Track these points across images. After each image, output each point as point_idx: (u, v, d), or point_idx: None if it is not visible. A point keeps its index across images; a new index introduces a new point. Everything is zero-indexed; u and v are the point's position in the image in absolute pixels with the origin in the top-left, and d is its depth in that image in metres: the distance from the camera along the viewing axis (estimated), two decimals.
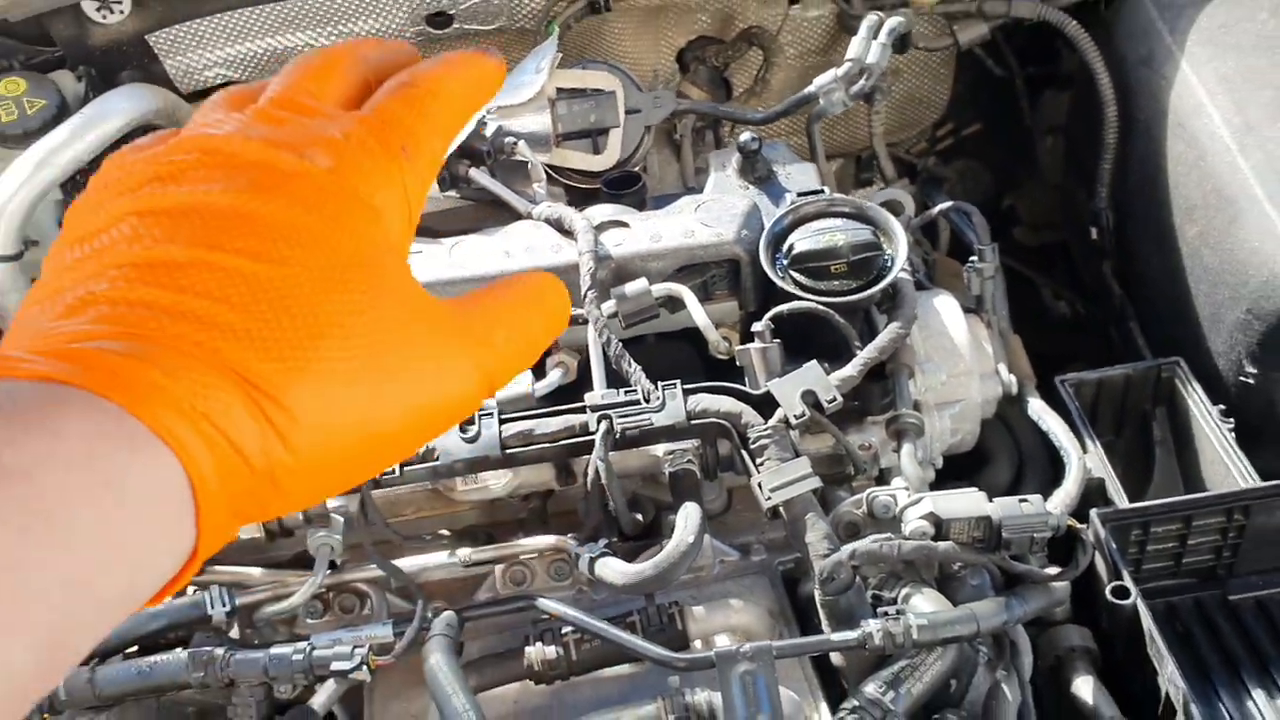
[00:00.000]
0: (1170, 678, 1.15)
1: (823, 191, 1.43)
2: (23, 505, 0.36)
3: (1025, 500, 1.15)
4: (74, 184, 1.72)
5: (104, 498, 0.37)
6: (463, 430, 1.23)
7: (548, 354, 1.40)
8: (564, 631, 1.19)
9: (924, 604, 1.15)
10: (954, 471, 1.43)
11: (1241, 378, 1.46)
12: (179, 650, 1.18)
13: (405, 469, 1.22)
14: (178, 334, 0.40)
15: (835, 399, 1.21)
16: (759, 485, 1.18)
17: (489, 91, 0.52)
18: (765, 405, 1.24)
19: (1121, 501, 1.34)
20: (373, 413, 0.44)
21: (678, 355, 1.44)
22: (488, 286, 0.51)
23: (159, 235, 0.41)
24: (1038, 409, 1.43)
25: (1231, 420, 1.40)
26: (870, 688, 1.10)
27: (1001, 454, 1.52)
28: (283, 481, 0.41)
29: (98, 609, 0.38)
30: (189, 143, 0.44)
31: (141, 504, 0.38)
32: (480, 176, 1.47)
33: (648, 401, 1.24)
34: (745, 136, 1.47)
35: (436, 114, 0.48)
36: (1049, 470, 1.47)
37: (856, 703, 1.09)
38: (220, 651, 1.17)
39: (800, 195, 1.42)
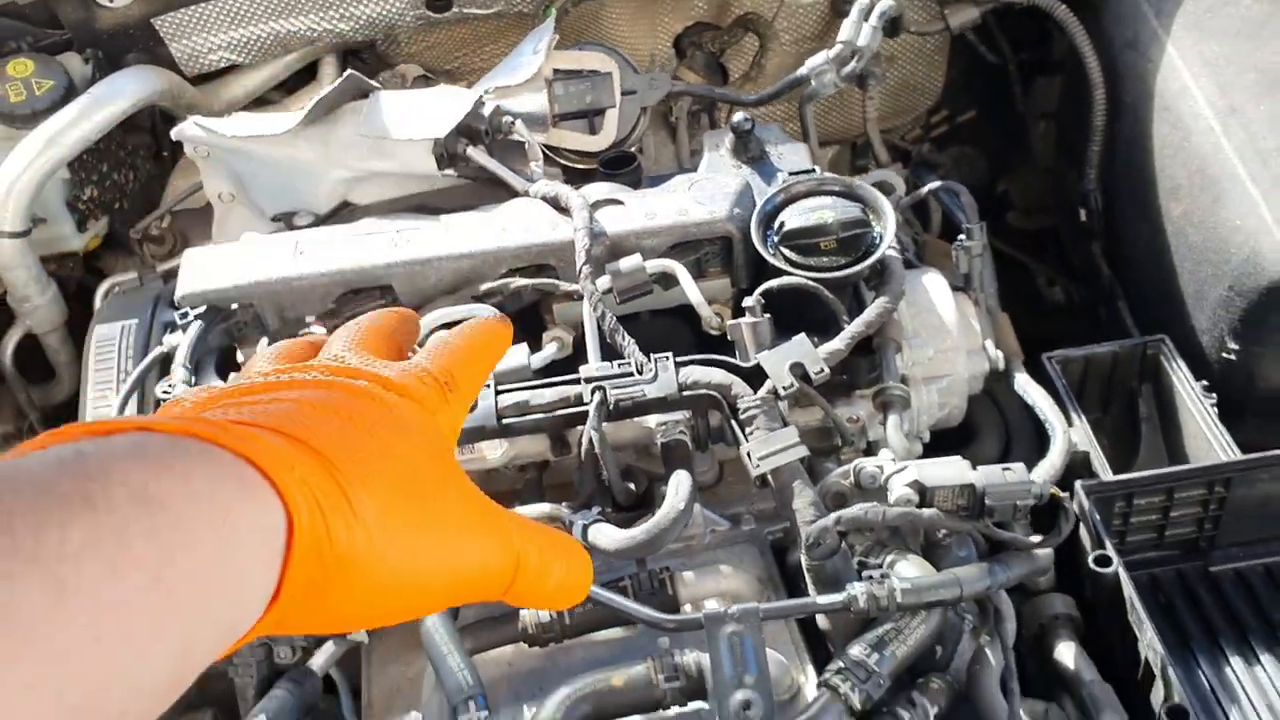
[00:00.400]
0: (1150, 643, 1.18)
1: (814, 171, 1.46)
2: (164, 529, 0.42)
3: (1009, 469, 1.18)
4: (81, 163, 1.76)
5: (223, 528, 0.44)
6: None
7: (544, 329, 1.43)
8: None
9: (909, 570, 1.18)
10: (941, 447, 1.45)
11: (1224, 354, 1.49)
12: None
13: None
14: (292, 433, 0.51)
15: (823, 371, 1.24)
16: (748, 454, 1.21)
17: (502, 344, 0.72)
18: (755, 378, 1.26)
19: (1106, 474, 1.37)
20: (418, 554, 0.54)
21: (670, 331, 1.47)
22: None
23: (290, 406, 0.54)
24: (1023, 382, 1.46)
25: (1214, 396, 1.43)
26: (855, 650, 1.12)
27: (989, 430, 1.55)
28: (346, 569, 0.50)
29: (215, 631, 0.45)
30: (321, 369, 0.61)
31: (253, 536, 0.46)
32: (478, 155, 1.50)
33: (641, 373, 1.27)
34: (739, 117, 1.50)
35: (470, 362, 0.66)
36: (1036, 446, 1.50)
37: (842, 664, 1.12)
38: None
39: (792, 174, 1.45)
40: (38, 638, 0.36)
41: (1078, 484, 1.31)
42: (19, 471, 0.40)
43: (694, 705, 1.16)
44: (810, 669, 1.20)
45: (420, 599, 0.56)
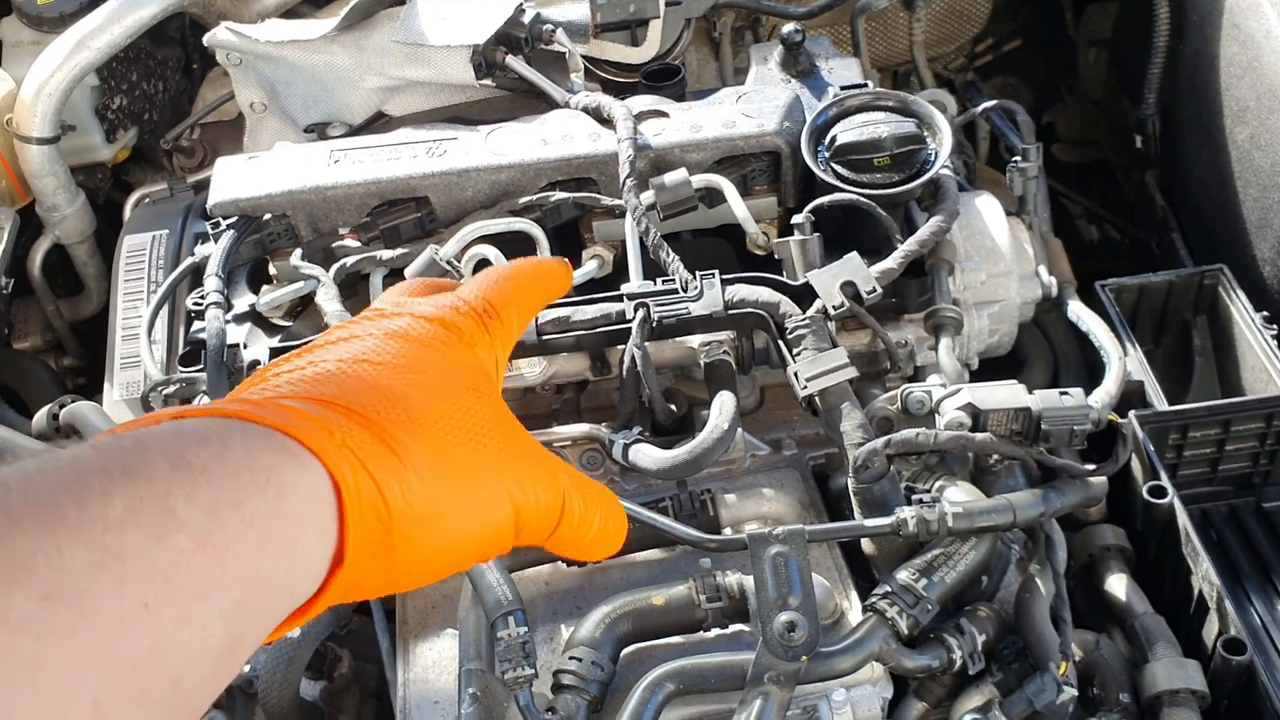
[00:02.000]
0: (1205, 575, 1.15)
1: (866, 85, 1.40)
2: (205, 493, 0.42)
3: (1066, 393, 1.14)
4: (110, 71, 1.72)
5: (267, 491, 0.44)
6: None
7: (583, 246, 1.40)
8: None
9: (958, 495, 1.15)
10: (988, 376, 1.41)
11: None
12: None
13: None
14: (329, 399, 0.52)
15: (875, 290, 1.20)
16: (795, 374, 1.17)
17: (556, 283, 0.73)
18: (803, 298, 1.23)
19: (1160, 404, 1.33)
20: (476, 494, 0.55)
21: (714, 251, 1.43)
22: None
23: (328, 368, 0.56)
24: (1077, 310, 1.41)
25: (1275, 327, 1.38)
26: (903, 574, 1.10)
27: (1037, 360, 1.51)
28: (407, 522, 0.50)
29: (272, 594, 0.45)
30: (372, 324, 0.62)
31: (298, 500, 0.46)
32: (517, 64, 1.45)
33: (685, 291, 1.23)
34: (789, 28, 1.44)
35: (514, 293, 0.67)
36: (1085, 379, 1.46)
37: (889, 588, 1.09)
38: None
39: (844, 89, 1.40)
40: (89, 605, 0.36)
41: (1132, 414, 1.27)
42: (58, 457, 0.40)
43: (735, 627, 1.13)
44: (854, 594, 1.17)
45: (482, 542, 0.56)
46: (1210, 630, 1.15)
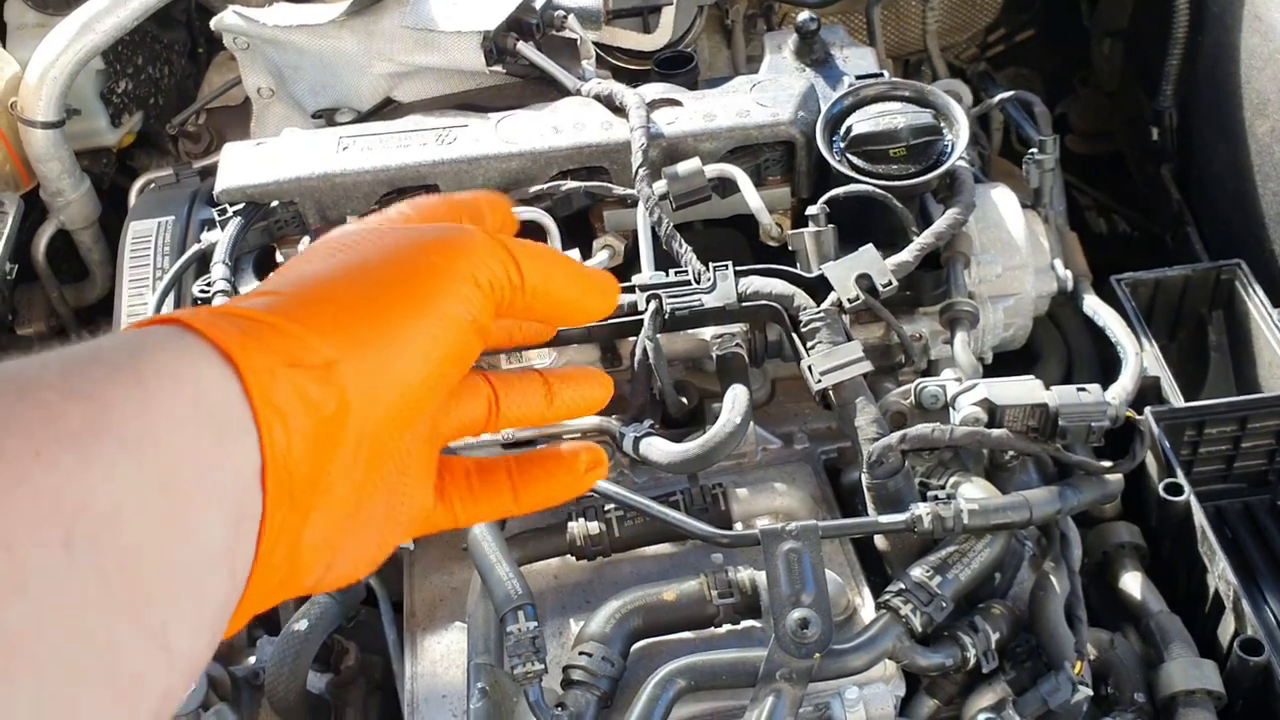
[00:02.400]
0: (1222, 574, 1.14)
1: (882, 75, 1.39)
2: (58, 357, 0.40)
3: (1084, 389, 1.12)
4: (115, 54, 1.70)
5: (124, 349, 0.42)
6: None
7: (594, 236, 1.38)
8: (606, 509, 1.18)
9: (973, 492, 1.14)
10: (1002, 371, 1.40)
11: None
12: None
13: None
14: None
15: (890, 283, 1.18)
16: (809, 368, 1.16)
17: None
18: (817, 290, 1.21)
19: (1177, 400, 1.31)
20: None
21: (727, 242, 1.41)
22: None
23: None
24: (1093, 304, 1.40)
25: None
26: (917, 571, 1.09)
27: (1051, 354, 1.49)
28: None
29: (174, 428, 0.41)
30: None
31: (161, 348, 0.42)
32: (528, 51, 1.43)
33: (698, 282, 1.22)
34: (804, 16, 1.42)
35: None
36: (1099, 373, 1.44)
37: (902, 585, 1.08)
38: None
39: (859, 78, 1.38)
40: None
41: (1148, 410, 1.25)
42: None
43: (747, 623, 1.12)
44: (866, 591, 1.16)
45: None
46: (1226, 629, 1.14)
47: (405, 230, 0.54)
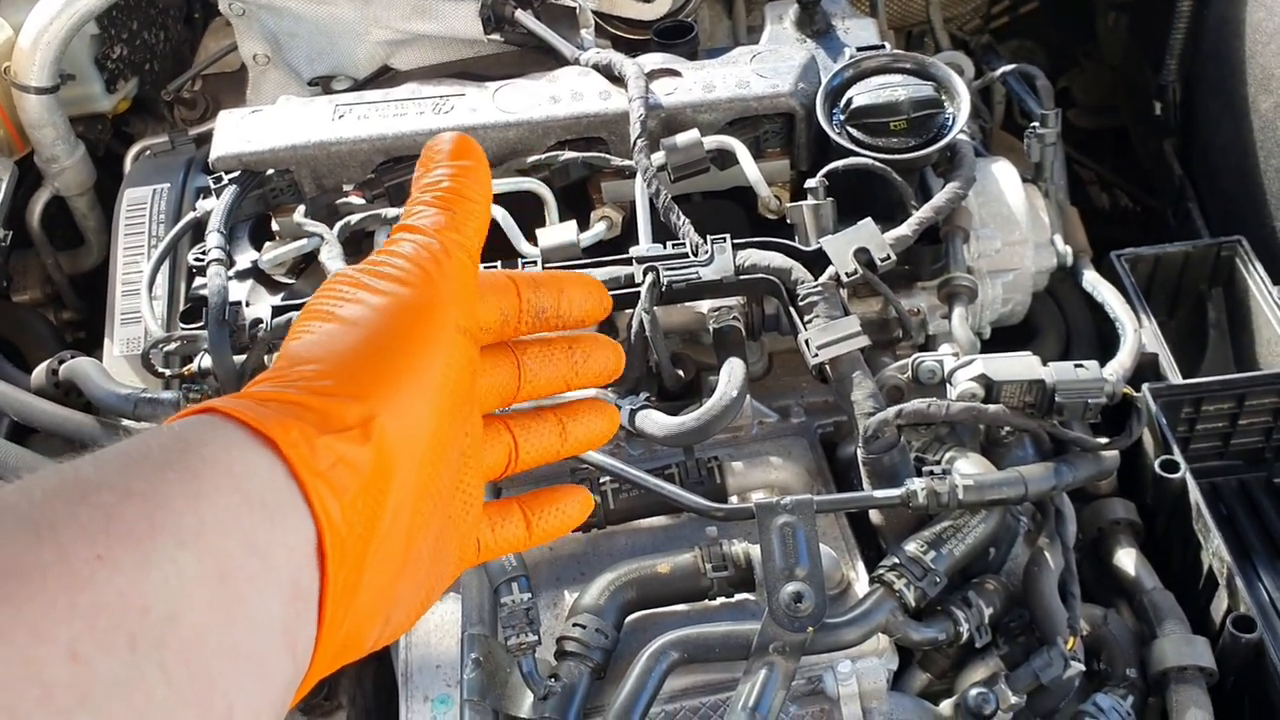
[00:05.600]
0: (1216, 551, 1.14)
1: (883, 47, 1.37)
2: (116, 457, 0.41)
3: (1081, 365, 1.12)
4: (110, 19, 1.68)
5: (178, 447, 0.44)
6: None
7: (592, 207, 1.37)
8: (601, 481, 1.18)
9: (969, 467, 1.14)
10: (1000, 346, 1.39)
11: None
12: None
13: None
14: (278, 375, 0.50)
15: (889, 257, 1.17)
16: (806, 342, 1.15)
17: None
18: (815, 263, 1.20)
19: (1175, 377, 1.31)
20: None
21: (725, 214, 1.40)
22: None
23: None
24: (1092, 280, 1.39)
25: None
26: (911, 546, 1.09)
27: (1049, 330, 1.48)
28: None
29: (229, 520, 0.43)
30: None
31: (217, 446, 0.44)
32: (526, 19, 1.42)
33: (695, 255, 1.21)
34: None
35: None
36: (1097, 350, 1.44)
37: (896, 560, 1.08)
38: None
39: (860, 50, 1.37)
40: (36, 572, 0.36)
41: (1146, 387, 1.25)
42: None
43: (740, 596, 1.12)
44: (860, 565, 1.16)
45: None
46: (1219, 606, 1.14)
47: (380, 268, 0.55)
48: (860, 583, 1.14)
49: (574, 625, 1.07)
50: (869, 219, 1.20)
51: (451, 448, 0.54)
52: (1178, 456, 1.20)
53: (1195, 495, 1.17)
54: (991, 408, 1.12)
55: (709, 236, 1.21)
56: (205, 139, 1.55)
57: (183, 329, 1.26)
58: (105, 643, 0.36)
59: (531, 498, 0.63)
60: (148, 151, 1.68)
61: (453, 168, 0.60)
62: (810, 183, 1.25)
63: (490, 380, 0.60)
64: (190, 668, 0.39)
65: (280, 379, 0.50)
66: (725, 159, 1.31)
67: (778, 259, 1.20)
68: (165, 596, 0.38)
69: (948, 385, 1.16)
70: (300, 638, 0.45)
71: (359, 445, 0.47)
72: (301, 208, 1.34)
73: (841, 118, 1.29)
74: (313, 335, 0.53)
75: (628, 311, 1.23)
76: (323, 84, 1.54)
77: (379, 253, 0.57)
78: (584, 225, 1.33)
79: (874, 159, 1.24)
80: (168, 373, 1.28)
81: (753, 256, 1.20)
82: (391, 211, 1.31)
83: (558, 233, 1.27)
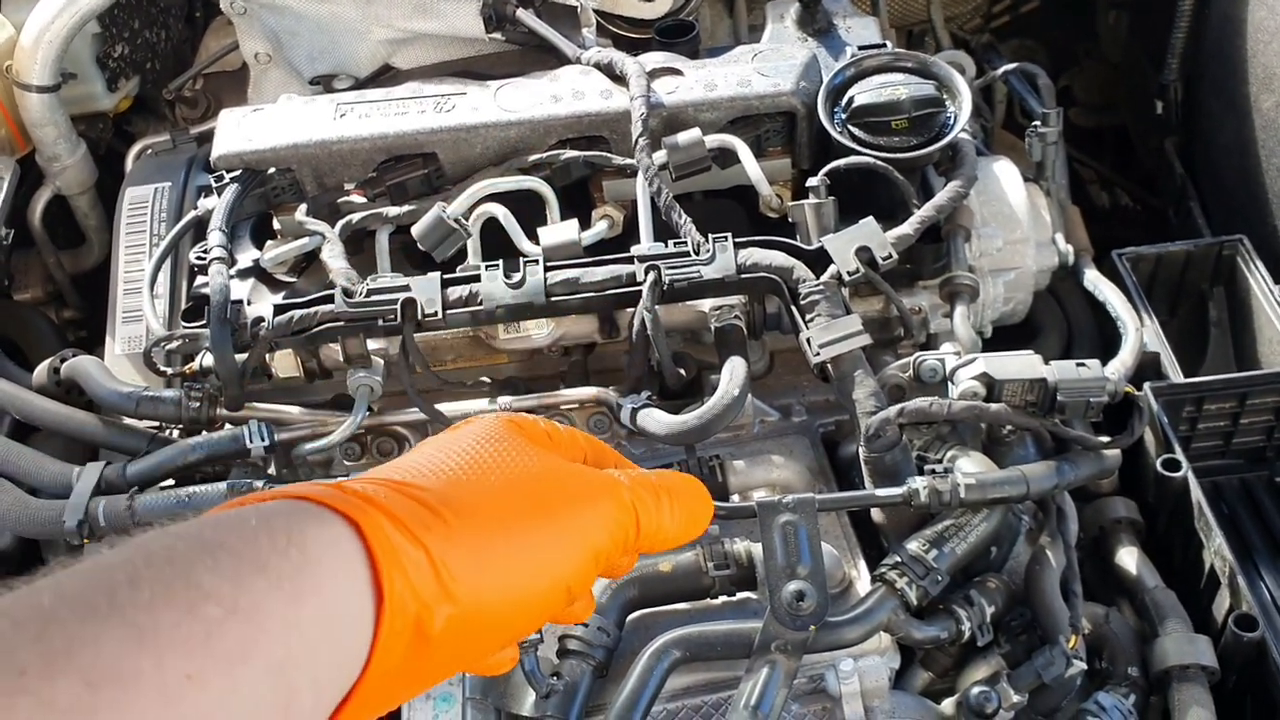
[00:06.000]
0: (1218, 550, 1.14)
1: (885, 46, 1.37)
2: (229, 563, 0.43)
3: (1083, 364, 1.12)
4: (111, 18, 1.68)
5: (289, 551, 0.45)
6: (508, 277, 1.21)
7: (593, 206, 1.37)
8: None
9: (970, 466, 1.13)
10: (1001, 345, 1.39)
11: None
12: (218, 483, 1.18)
13: (448, 312, 1.20)
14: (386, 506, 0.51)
15: (891, 256, 1.17)
16: (808, 341, 1.15)
17: (702, 522, 0.72)
18: (817, 263, 1.20)
19: (1176, 376, 1.31)
20: (526, 564, 0.55)
21: (726, 213, 1.40)
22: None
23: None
24: (1094, 279, 1.39)
25: None
26: (913, 545, 1.09)
27: (1051, 329, 1.48)
28: (440, 623, 0.50)
29: (313, 649, 0.44)
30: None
31: (323, 555, 0.46)
32: (528, 18, 1.42)
33: (697, 254, 1.21)
34: None
35: (671, 512, 0.67)
36: (1099, 348, 1.44)
37: (898, 558, 1.08)
38: (259, 484, 1.17)
39: (862, 49, 1.37)
40: (131, 683, 0.37)
41: (1147, 386, 1.25)
42: (87, 560, 0.42)
43: (742, 595, 1.12)
44: (862, 564, 1.16)
45: (532, 604, 0.57)
46: (1221, 605, 1.14)
47: (556, 461, 0.61)
48: (862, 581, 1.14)
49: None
50: (870, 218, 1.20)
51: (525, 633, 0.61)
52: (1179, 455, 1.20)
53: (1197, 494, 1.17)
54: (993, 406, 1.12)
55: (710, 235, 1.21)
56: (207, 138, 1.55)
57: (184, 327, 1.26)
58: None
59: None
60: (149, 150, 1.68)
61: (691, 500, 0.70)
62: (812, 181, 1.25)
63: None
64: None
65: (415, 501, 0.52)
66: (727, 158, 1.31)
67: (779, 258, 1.20)
68: None
69: (949, 384, 1.16)
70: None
71: (443, 604, 0.50)
72: (303, 206, 1.34)
73: (843, 116, 1.29)
74: (460, 474, 0.56)
75: (629, 310, 1.23)
76: (324, 83, 1.54)
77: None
78: (585, 224, 1.33)
79: (876, 158, 1.24)
80: (169, 371, 1.28)
81: (754, 255, 1.20)
82: (393, 211, 1.31)
83: (559, 231, 1.27)
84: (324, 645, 0.44)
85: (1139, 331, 1.30)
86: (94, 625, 0.37)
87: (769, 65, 1.33)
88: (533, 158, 1.31)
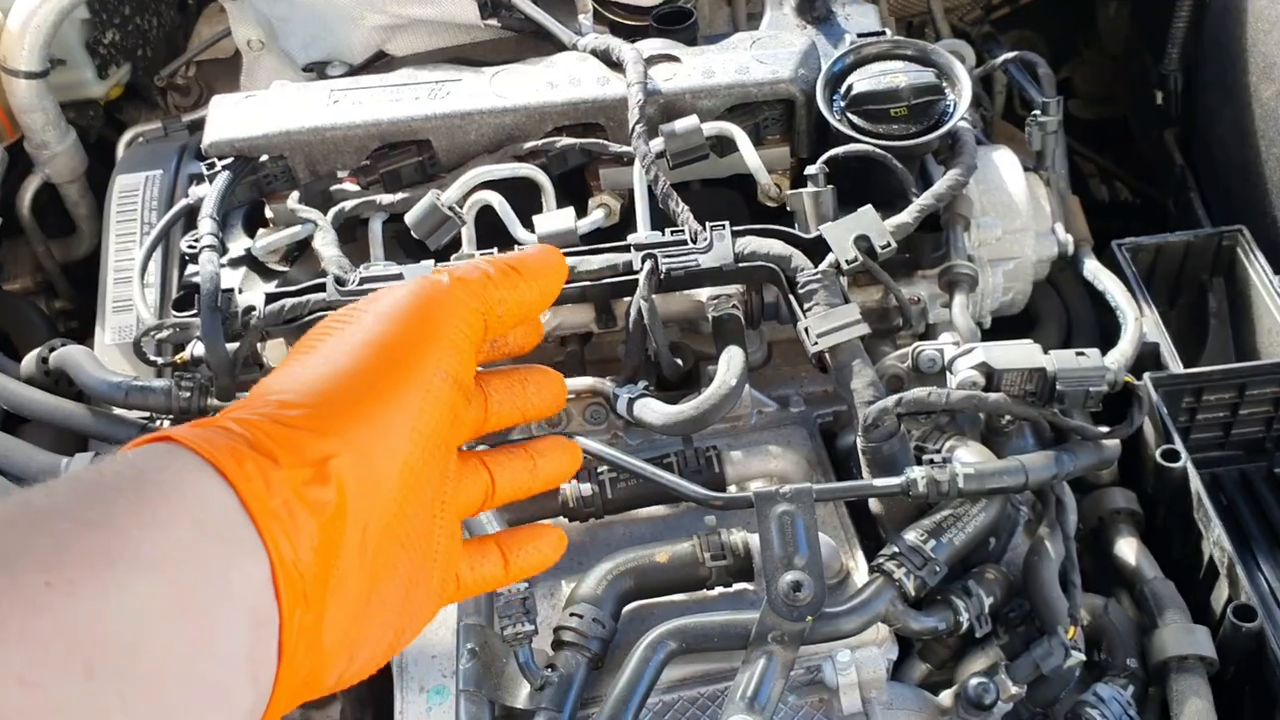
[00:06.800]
0: (1217, 541, 1.13)
1: (884, 33, 1.36)
2: (67, 485, 0.42)
3: (1082, 354, 1.11)
4: (101, 3, 1.67)
5: (129, 471, 0.44)
6: None
7: (589, 194, 1.36)
8: (599, 470, 1.17)
9: (969, 456, 1.13)
10: (1000, 335, 1.38)
11: None
12: None
13: None
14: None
15: (889, 244, 1.16)
16: (805, 330, 1.14)
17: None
18: (815, 251, 1.19)
19: (1176, 367, 1.30)
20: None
21: (724, 202, 1.39)
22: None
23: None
24: (1093, 269, 1.38)
25: None
26: (911, 535, 1.08)
27: (1050, 319, 1.48)
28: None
29: (187, 551, 0.42)
30: None
31: (164, 465, 0.44)
32: (523, 4, 1.40)
33: (694, 242, 1.20)
34: None
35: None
36: (1098, 339, 1.43)
37: (896, 549, 1.07)
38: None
39: (861, 36, 1.36)
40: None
41: (1147, 376, 1.24)
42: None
43: (739, 586, 1.12)
44: (860, 554, 1.15)
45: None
46: (1219, 596, 1.14)
47: (380, 304, 0.55)
48: (859, 572, 1.13)
49: (571, 615, 1.06)
50: (869, 206, 1.19)
51: (424, 490, 0.53)
52: (1178, 446, 1.20)
53: (1196, 485, 1.17)
54: (992, 396, 1.11)
55: (708, 224, 1.20)
56: (198, 125, 1.53)
57: (175, 317, 1.24)
58: (59, 670, 0.35)
59: (508, 536, 0.64)
60: (140, 138, 1.66)
61: (530, 256, 0.62)
62: (810, 169, 1.24)
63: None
64: (150, 697, 0.38)
65: (249, 407, 0.49)
66: (725, 146, 1.30)
67: (777, 246, 1.19)
68: (123, 625, 0.38)
69: (948, 373, 1.15)
70: (262, 666, 0.44)
71: (318, 485, 0.46)
72: (295, 194, 1.33)
73: (842, 104, 1.28)
74: (290, 367, 0.52)
75: (626, 300, 1.22)
76: (317, 70, 1.53)
77: (383, 290, 0.56)
78: (582, 212, 1.32)
79: (875, 146, 1.23)
80: (160, 361, 1.27)
81: (752, 244, 1.19)
82: (386, 198, 1.30)
83: (555, 220, 1.26)
84: (199, 544, 0.42)
85: (1139, 321, 1.29)
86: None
87: (767, 53, 1.32)
88: (528, 145, 1.30)
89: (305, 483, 0.46)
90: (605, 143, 1.30)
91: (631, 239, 1.22)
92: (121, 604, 0.38)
